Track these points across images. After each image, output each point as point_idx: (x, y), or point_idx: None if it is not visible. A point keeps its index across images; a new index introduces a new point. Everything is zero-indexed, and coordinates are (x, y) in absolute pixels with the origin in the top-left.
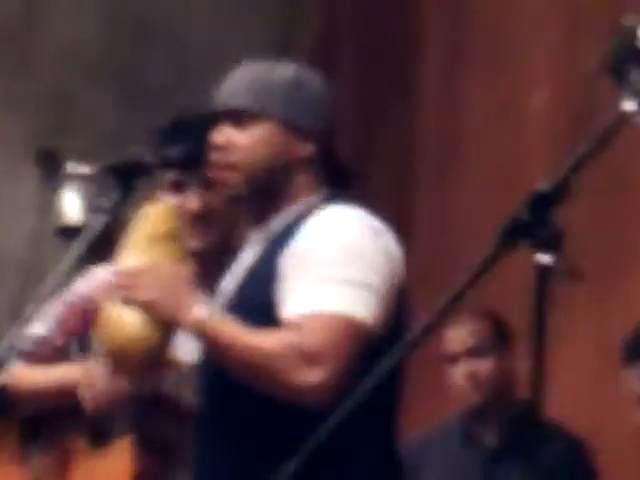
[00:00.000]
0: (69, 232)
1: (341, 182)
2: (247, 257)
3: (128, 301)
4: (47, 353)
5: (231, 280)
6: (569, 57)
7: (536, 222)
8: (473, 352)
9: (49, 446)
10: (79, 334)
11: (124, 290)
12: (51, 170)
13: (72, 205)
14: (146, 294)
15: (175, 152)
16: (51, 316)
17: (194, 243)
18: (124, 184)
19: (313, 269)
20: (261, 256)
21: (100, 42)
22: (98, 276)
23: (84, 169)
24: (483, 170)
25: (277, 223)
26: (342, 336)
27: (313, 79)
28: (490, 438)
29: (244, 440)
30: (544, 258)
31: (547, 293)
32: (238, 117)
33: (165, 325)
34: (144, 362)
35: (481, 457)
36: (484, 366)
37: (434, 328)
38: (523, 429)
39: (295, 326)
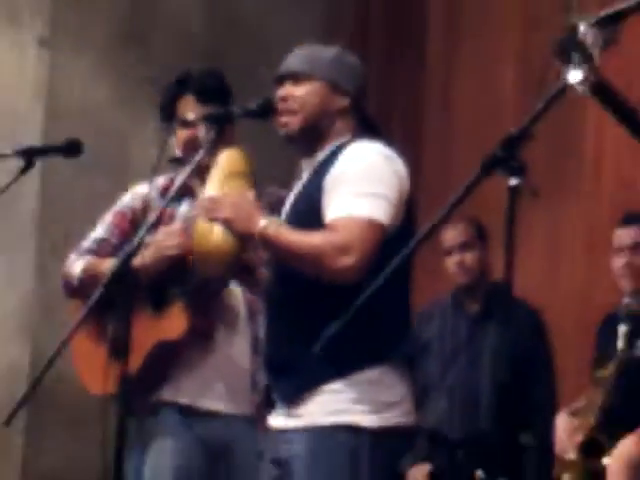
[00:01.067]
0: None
1: (367, 126)
2: (301, 182)
3: (213, 219)
4: (107, 250)
5: (292, 195)
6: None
7: (507, 156)
8: (462, 247)
9: (119, 314)
10: (128, 235)
11: (210, 211)
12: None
13: None
14: (225, 213)
15: (255, 105)
16: (108, 223)
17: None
18: (218, 128)
19: (345, 186)
20: (310, 179)
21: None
22: (137, 190)
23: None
24: (471, 122)
25: (321, 155)
26: (365, 232)
27: (349, 55)
28: (473, 307)
29: (298, 310)
30: (513, 181)
31: (515, 205)
32: (296, 77)
33: (240, 235)
34: (226, 261)
35: (467, 320)
36: (469, 257)
37: (435, 229)
38: (497, 301)
39: (333, 227)
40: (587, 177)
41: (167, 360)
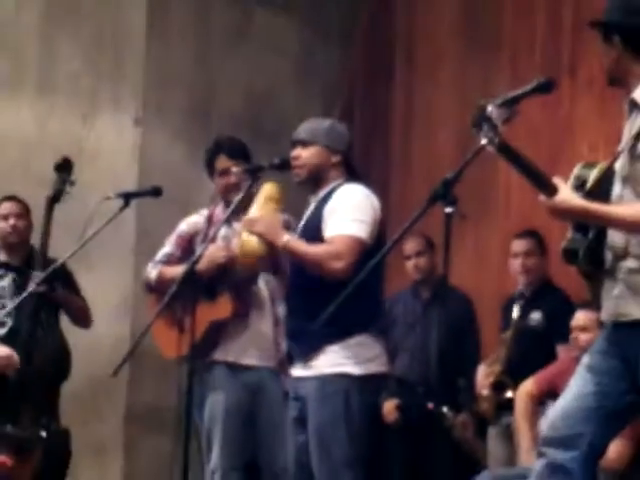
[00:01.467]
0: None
1: (352, 173)
2: (309, 210)
3: (252, 232)
4: (173, 260)
5: (304, 219)
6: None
7: (445, 192)
8: (417, 254)
9: (183, 302)
10: (187, 250)
11: (250, 227)
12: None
13: None
14: (260, 229)
15: (276, 162)
16: (172, 242)
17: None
18: (253, 176)
19: (338, 214)
20: (314, 209)
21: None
22: (190, 220)
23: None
24: (422, 169)
25: (322, 193)
26: (352, 245)
27: (340, 125)
28: (425, 294)
29: (307, 293)
30: (448, 209)
31: (450, 226)
32: (303, 143)
33: (270, 244)
34: (258, 262)
35: (421, 303)
36: (422, 261)
37: (399, 241)
38: (441, 290)
39: (329, 240)
40: (501, 207)
41: (218, 333)
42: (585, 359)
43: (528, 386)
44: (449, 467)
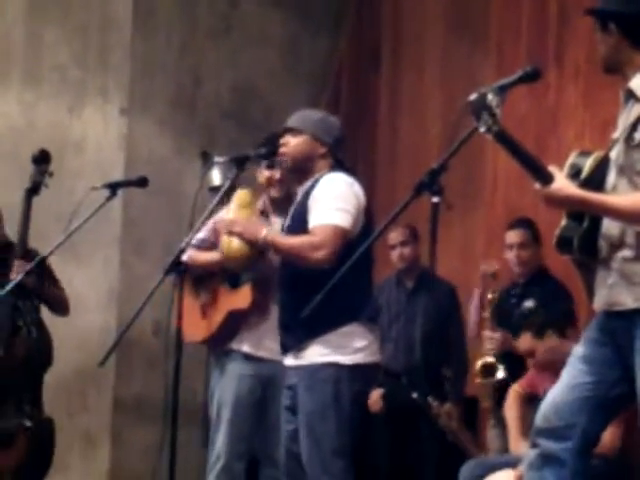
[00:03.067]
0: (215, 190)
1: (340, 165)
2: (296, 200)
3: (231, 233)
4: (206, 246)
5: (290, 211)
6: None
7: (431, 182)
8: (402, 244)
9: (208, 288)
10: (218, 240)
11: (229, 228)
12: (206, 160)
13: (216, 176)
14: (238, 229)
15: (263, 151)
16: (208, 228)
17: (275, 193)
18: (239, 166)
19: (321, 204)
20: (300, 200)
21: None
22: (217, 216)
23: (220, 159)
24: (409, 159)
25: (308, 184)
26: (334, 235)
27: (331, 117)
28: (409, 283)
29: (295, 285)
30: (435, 199)
31: (436, 216)
32: (292, 131)
33: (250, 243)
34: (244, 260)
35: (405, 292)
36: (407, 250)
37: (384, 231)
38: (425, 279)
39: (312, 231)
40: (487, 197)
41: (236, 322)
42: (578, 349)
43: (516, 387)
44: (435, 457)
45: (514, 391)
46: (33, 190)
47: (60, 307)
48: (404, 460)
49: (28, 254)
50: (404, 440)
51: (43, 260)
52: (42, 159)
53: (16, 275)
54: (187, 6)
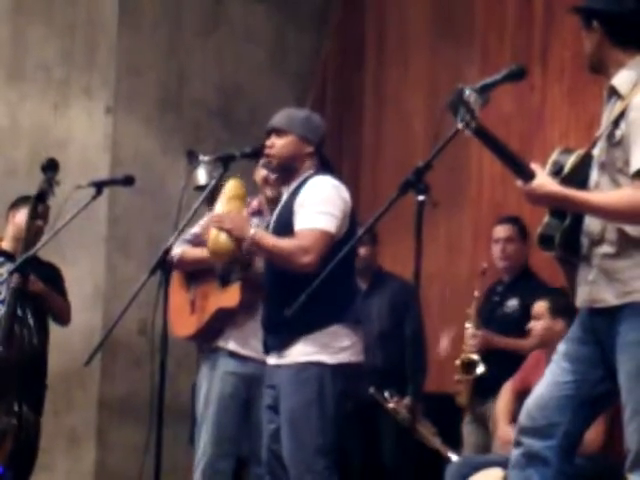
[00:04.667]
0: (200, 189)
1: (325, 164)
2: (281, 202)
3: (219, 229)
4: (199, 241)
5: (277, 210)
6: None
7: (416, 180)
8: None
9: (199, 285)
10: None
11: (217, 223)
12: (191, 159)
13: (201, 175)
14: (227, 225)
15: (248, 150)
16: (202, 224)
17: (270, 193)
18: (224, 165)
19: (307, 208)
20: (286, 201)
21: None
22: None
23: (206, 158)
24: (394, 158)
25: (294, 184)
26: (320, 239)
27: (315, 116)
28: (363, 285)
29: (280, 285)
30: (420, 197)
31: (422, 214)
32: (277, 131)
33: (237, 239)
34: (230, 256)
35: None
36: (363, 251)
37: (368, 230)
38: (380, 279)
39: (298, 234)
40: (472, 195)
41: (224, 320)
42: (561, 347)
43: (508, 386)
44: (411, 455)
45: (506, 388)
46: (40, 198)
47: (62, 317)
48: (378, 459)
49: (32, 261)
50: (372, 437)
51: (28, 259)
52: (50, 167)
53: (32, 286)
54: (172, 4)
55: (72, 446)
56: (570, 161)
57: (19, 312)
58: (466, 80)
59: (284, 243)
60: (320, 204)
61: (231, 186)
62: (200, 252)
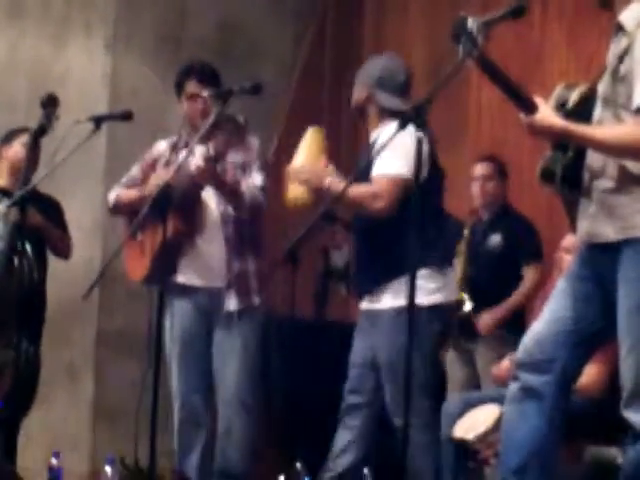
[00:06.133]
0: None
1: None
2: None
3: (296, 180)
4: (135, 183)
5: (359, 160)
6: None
7: (416, 116)
8: None
9: (147, 226)
10: (148, 175)
11: (295, 176)
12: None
13: None
14: (304, 177)
15: (247, 86)
16: (138, 166)
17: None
18: (223, 101)
19: (384, 154)
20: (367, 150)
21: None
22: (157, 146)
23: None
24: None
25: (375, 134)
26: (393, 184)
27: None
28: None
29: (369, 233)
30: (419, 133)
31: (420, 151)
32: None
33: (314, 191)
34: (306, 204)
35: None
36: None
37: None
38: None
39: (373, 180)
40: (471, 133)
41: (168, 255)
42: (560, 283)
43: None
44: None
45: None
46: (39, 132)
47: (63, 250)
48: None
49: (32, 195)
50: None
51: (26, 193)
52: (49, 103)
53: (31, 219)
54: None
55: (70, 380)
56: (574, 96)
57: (19, 246)
58: None
59: (357, 190)
60: (395, 150)
61: (312, 133)
62: (134, 193)
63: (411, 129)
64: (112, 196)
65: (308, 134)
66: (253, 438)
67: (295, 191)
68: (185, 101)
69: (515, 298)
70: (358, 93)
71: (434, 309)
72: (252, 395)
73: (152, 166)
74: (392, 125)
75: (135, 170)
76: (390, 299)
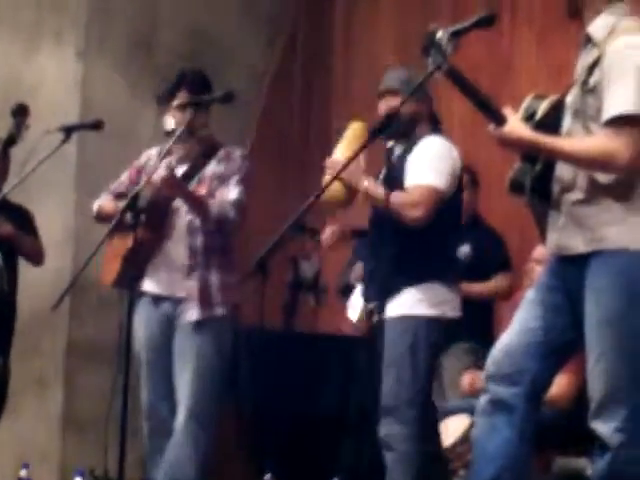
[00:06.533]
0: (169, 134)
1: (434, 125)
2: (394, 158)
3: (334, 177)
4: (120, 191)
5: (385, 169)
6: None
7: (386, 127)
8: None
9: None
10: (135, 182)
11: (333, 170)
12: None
13: (170, 120)
14: (344, 174)
15: (219, 95)
16: (126, 173)
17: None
18: (195, 109)
19: (418, 165)
20: (399, 157)
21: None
22: (146, 152)
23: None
24: (363, 102)
25: (407, 143)
26: (429, 194)
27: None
28: None
29: (385, 240)
30: (389, 143)
31: (391, 160)
32: (392, 92)
33: (351, 189)
34: (340, 205)
35: None
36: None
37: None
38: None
39: (409, 189)
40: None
41: (134, 262)
42: (530, 294)
43: None
44: None
45: None
46: (9, 142)
47: (35, 258)
48: None
49: (8, 206)
50: None
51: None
52: (20, 112)
53: (1, 230)
54: None
55: (40, 390)
56: (543, 107)
57: None
58: (437, 20)
59: (395, 197)
60: (431, 161)
61: (355, 128)
62: (113, 207)
63: (443, 140)
64: (95, 205)
65: (351, 127)
66: (206, 451)
67: (332, 186)
68: (175, 111)
69: (483, 285)
70: (409, 106)
71: (435, 321)
72: (207, 407)
73: (139, 172)
74: (430, 137)
75: (124, 176)
76: (396, 307)
